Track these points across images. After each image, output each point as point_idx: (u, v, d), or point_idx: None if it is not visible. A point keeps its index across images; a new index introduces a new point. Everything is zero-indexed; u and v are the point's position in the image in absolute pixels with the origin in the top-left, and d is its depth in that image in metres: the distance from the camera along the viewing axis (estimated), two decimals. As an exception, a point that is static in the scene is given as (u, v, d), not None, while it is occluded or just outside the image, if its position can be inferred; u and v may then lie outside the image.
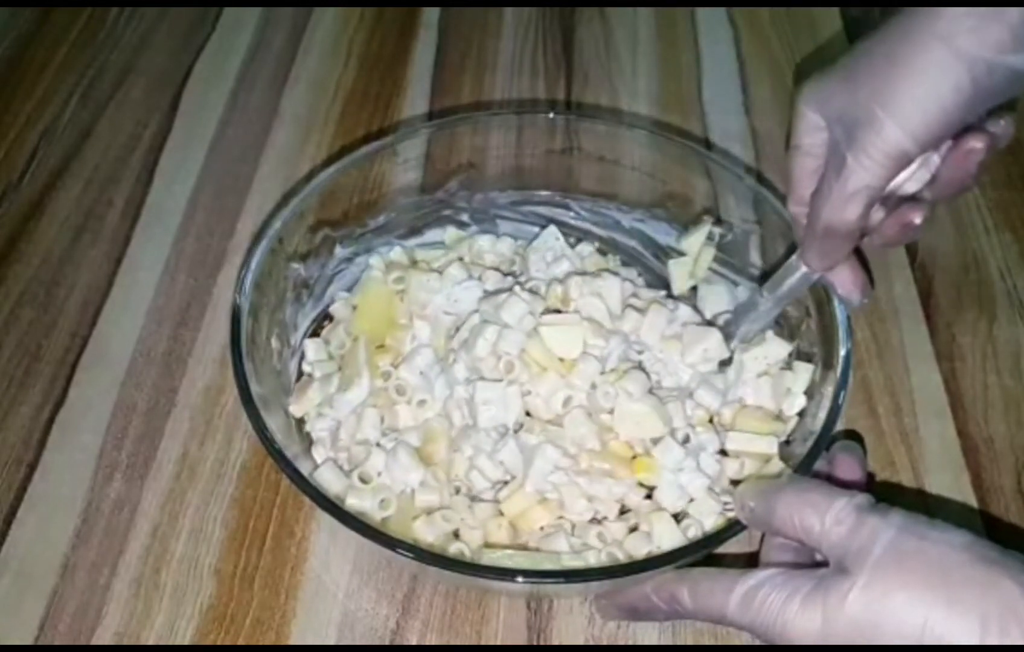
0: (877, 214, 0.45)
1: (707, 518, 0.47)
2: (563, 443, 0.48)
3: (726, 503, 0.47)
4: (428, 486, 0.49)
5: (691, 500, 0.48)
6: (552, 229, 0.58)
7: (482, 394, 0.49)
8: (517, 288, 0.53)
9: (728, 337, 0.52)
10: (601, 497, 0.47)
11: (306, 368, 0.54)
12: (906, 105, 0.40)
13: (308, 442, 0.51)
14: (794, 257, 0.49)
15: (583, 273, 0.55)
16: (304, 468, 0.45)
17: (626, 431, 0.49)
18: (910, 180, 0.44)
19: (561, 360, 0.50)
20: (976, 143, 0.43)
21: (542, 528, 0.48)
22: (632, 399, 0.49)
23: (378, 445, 0.50)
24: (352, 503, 0.47)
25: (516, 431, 0.49)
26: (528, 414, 0.50)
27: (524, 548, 0.47)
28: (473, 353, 0.51)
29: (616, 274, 0.56)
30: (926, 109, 0.40)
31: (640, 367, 0.51)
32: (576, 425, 0.49)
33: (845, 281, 0.48)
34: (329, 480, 0.48)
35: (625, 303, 0.54)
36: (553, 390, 0.50)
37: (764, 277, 0.55)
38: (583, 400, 0.50)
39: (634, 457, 0.49)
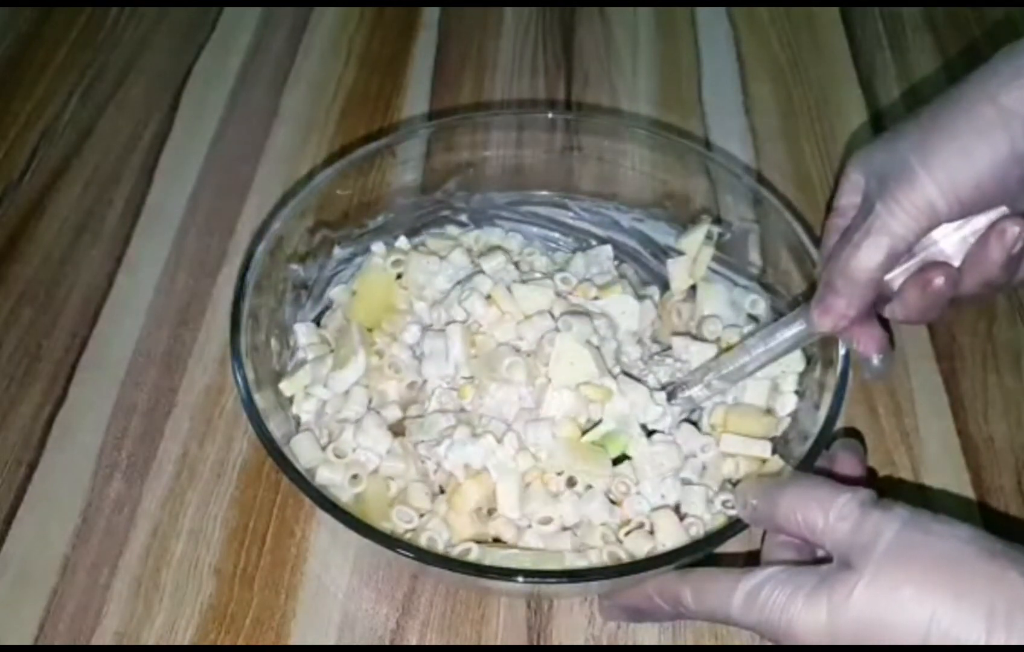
0: (895, 283, 0.44)
1: (698, 505, 0.47)
2: (473, 423, 0.49)
3: (726, 501, 0.47)
4: (395, 454, 0.49)
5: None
6: (607, 248, 0.58)
7: (428, 345, 0.50)
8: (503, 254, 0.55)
9: (712, 368, 0.51)
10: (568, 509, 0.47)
11: (300, 354, 0.54)
12: (940, 159, 0.40)
13: (296, 425, 0.51)
14: (793, 312, 0.48)
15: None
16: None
17: (559, 374, 0.48)
18: (934, 251, 0.43)
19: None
20: (1012, 226, 0.41)
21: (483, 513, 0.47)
22: (570, 335, 0.49)
23: (356, 422, 0.50)
24: (323, 475, 0.47)
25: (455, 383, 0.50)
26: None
27: (526, 548, 0.47)
28: (446, 305, 0.52)
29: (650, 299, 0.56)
30: (958, 165, 0.40)
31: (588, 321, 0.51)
32: (501, 357, 0.49)
33: (863, 337, 0.46)
34: (303, 450, 0.48)
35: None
36: (505, 336, 0.51)
37: (763, 275, 0.56)
38: (529, 347, 0.50)
39: (585, 437, 0.48)
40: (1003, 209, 0.41)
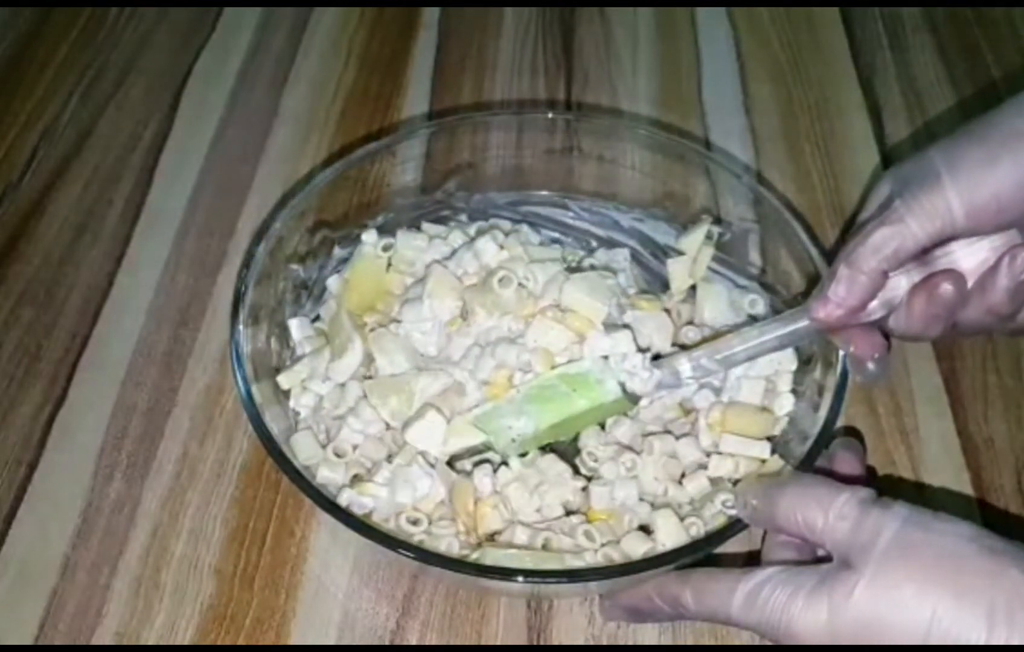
0: (900, 292, 0.44)
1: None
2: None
3: (726, 501, 0.47)
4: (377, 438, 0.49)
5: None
6: (625, 250, 0.58)
7: (410, 292, 0.51)
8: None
9: (704, 348, 0.51)
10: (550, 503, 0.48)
11: (298, 351, 0.53)
12: (964, 164, 0.40)
13: (295, 421, 0.51)
14: (796, 309, 0.48)
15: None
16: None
17: (574, 292, 0.49)
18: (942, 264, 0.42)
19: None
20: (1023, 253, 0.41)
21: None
22: (605, 278, 0.50)
23: (352, 408, 0.50)
24: (323, 475, 0.47)
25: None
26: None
27: (525, 548, 0.47)
28: (456, 259, 0.52)
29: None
30: (980, 172, 0.40)
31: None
32: (495, 273, 0.50)
33: (859, 342, 0.45)
34: (302, 448, 0.48)
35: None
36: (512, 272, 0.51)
37: (763, 275, 0.56)
38: (535, 288, 0.51)
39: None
40: (1015, 234, 0.41)
